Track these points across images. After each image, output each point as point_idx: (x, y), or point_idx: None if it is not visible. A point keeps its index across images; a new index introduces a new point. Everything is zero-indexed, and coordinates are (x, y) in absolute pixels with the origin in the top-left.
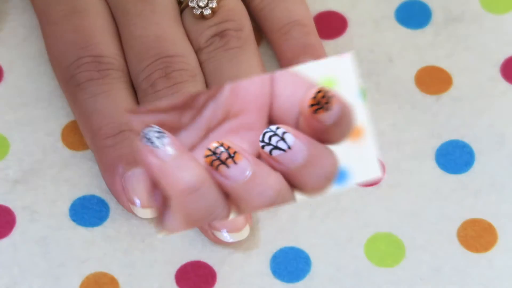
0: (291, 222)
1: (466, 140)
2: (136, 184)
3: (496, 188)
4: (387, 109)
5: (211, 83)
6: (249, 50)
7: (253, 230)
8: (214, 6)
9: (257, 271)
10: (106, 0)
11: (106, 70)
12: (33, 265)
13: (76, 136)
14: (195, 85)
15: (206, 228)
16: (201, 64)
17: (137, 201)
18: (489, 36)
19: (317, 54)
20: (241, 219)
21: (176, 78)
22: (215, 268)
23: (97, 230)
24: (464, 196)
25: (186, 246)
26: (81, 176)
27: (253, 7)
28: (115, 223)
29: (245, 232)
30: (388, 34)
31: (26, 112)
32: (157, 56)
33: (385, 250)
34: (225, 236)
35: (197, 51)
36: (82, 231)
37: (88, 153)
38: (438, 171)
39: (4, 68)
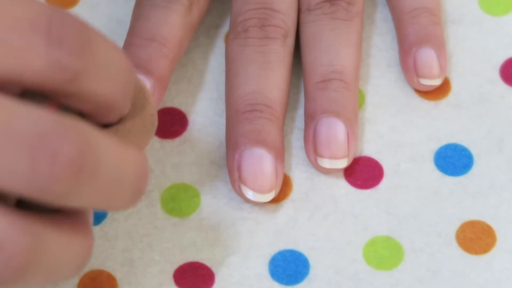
0: (290, 225)
1: (465, 144)
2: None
3: (495, 190)
4: (386, 112)
5: (305, 45)
6: (353, 27)
7: (251, 232)
8: None
9: (256, 274)
10: None
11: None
12: None
13: None
14: (283, 45)
15: (235, 179)
16: (303, 24)
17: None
18: (488, 38)
19: (439, 46)
20: (269, 184)
21: (269, 32)
22: (214, 270)
23: (95, 229)
24: (463, 198)
25: (184, 247)
26: None
27: None
28: (113, 223)
29: (269, 196)
30: (387, 38)
31: None
32: (261, 5)
33: (384, 253)
34: (250, 194)
35: (305, 11)
36: None
37: None
38: (437, 173)
39: None
